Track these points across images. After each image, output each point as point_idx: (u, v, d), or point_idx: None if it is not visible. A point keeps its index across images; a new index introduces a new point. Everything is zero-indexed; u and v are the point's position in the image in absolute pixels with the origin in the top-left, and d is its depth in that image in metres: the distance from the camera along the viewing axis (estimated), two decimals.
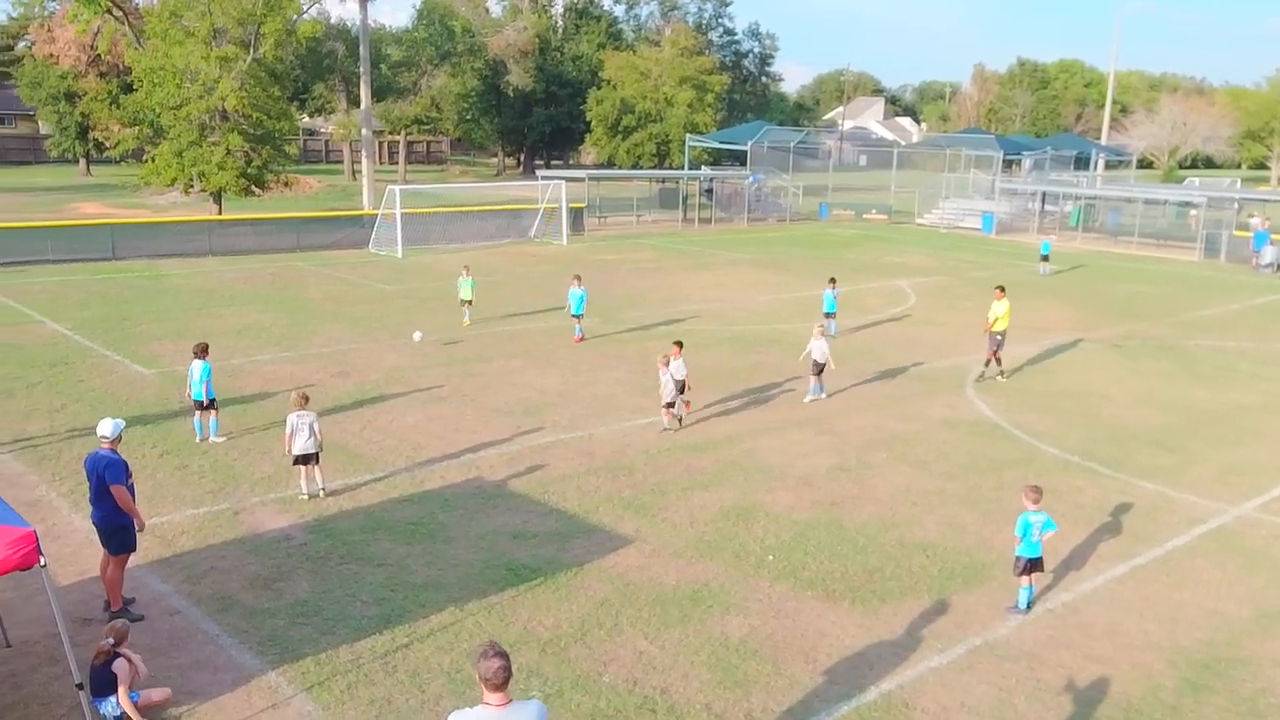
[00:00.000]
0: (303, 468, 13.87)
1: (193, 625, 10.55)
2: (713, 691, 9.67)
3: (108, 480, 10.37)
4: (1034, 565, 11.46)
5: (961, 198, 59.70)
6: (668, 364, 17.08)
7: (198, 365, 16.00)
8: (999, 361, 21.82)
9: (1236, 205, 48.51)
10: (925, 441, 17.45)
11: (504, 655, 5.94)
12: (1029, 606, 11.47)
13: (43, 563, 7.84)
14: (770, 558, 12.64)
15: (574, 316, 24.07)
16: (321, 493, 13.90)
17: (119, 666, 8.61)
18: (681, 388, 17.41)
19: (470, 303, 26.25)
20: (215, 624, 10.57)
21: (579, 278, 24.27)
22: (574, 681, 9.73)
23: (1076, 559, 12.95)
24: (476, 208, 47.08)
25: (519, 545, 12.70)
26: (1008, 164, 67.26)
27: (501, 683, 5.91)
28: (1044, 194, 56.33)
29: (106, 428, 10.79)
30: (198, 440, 16.14)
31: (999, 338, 21.58)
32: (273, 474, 14.82)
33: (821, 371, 19.53)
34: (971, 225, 55.52)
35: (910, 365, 22.90)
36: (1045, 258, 39.72)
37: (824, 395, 19.71)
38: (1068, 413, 19.52)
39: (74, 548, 12.17)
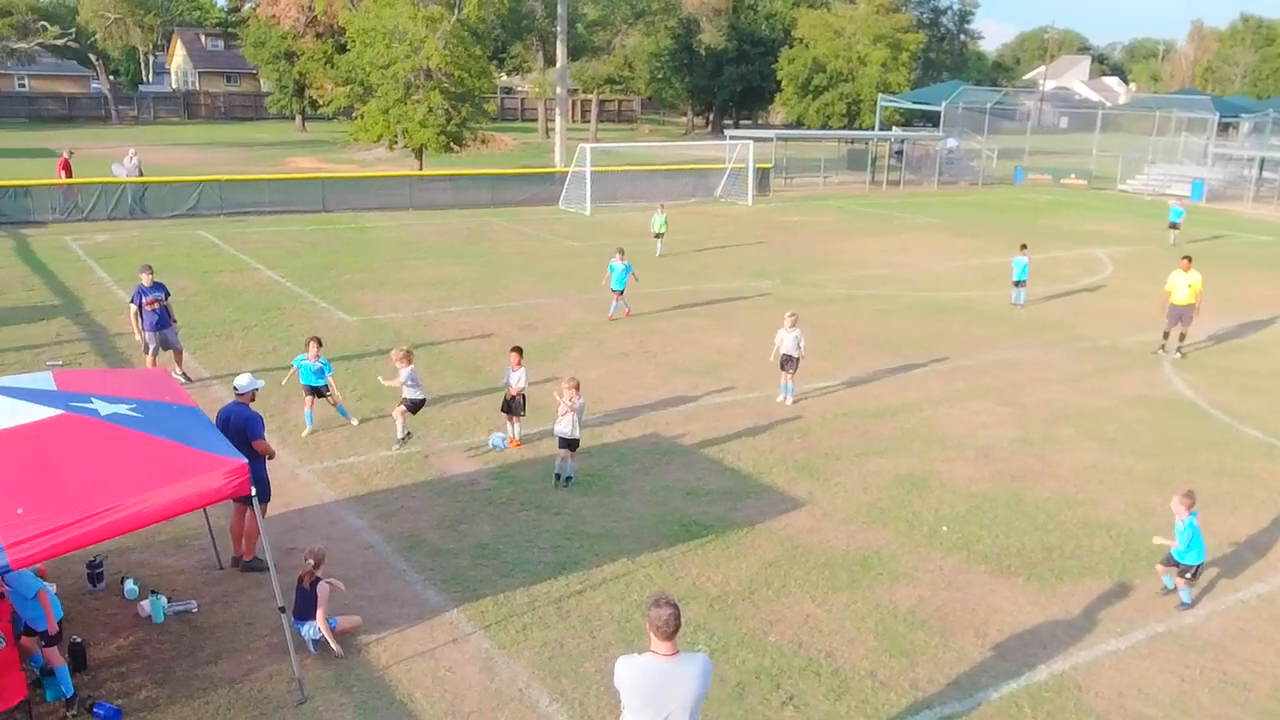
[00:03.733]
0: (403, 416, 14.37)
1: (383, 560, 11.27)
2: (878, 659, 9.69)
3: (250, 435, 10.47)
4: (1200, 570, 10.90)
5: (1170, 163, 56.18)
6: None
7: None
8: (1181, 337, 20.65)
9: None
10: (1115, 418, 16.75)
11: (674, 605, 6.12)
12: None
13: (254, 492, 8.54)
14: (944, 529, 12.48)
15: (615, 292, 22.32)
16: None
17: (322, 590, 9.32)
18: (513, 406, 14.63)
19: (661, 236, 29.63)
20: (404, 560, 11.26)
21: (622, 251, 22.69)
22: (740, 639, 9.93)
23: (1273, 549, 12.25)
24: (664, 167, 47.43)
25: (692, 501, 12.96)
26: (1224, 127, 62.79)
27: (671, 632, 6.08)
28: (1262, 160, 52.38)
29: (243, 381, 11.10)
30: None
31: (1183, 310, 20.31)
32: (460, 421, 15.54)
33: (794, 367, 16.81)
34: (1180, 192, 52.17)
35: (1103, 338, 21.94)
36: (1174, 225, 35.69)
37: (791, 398, 16.94)
38: (1274, 394, 18.34)
39: (279, 481, 13.06)
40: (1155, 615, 10.64)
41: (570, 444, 13.22)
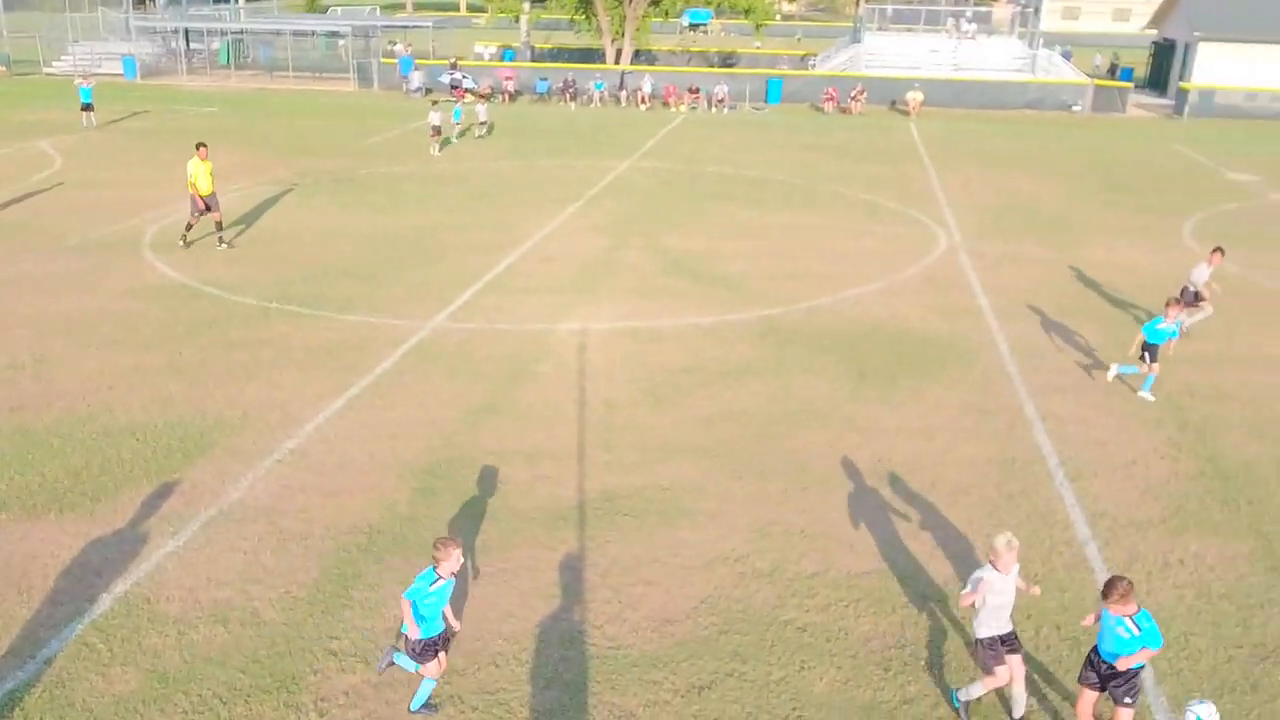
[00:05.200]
0: None
1: None
2: None
3: None
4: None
5: (95, 40, 54.03)
6: None
7: None
8: (219, 225, 20.07)
9: (380, 33, 51.09)
10: (111, 318, 15.94)
11: None
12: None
13: None
14: None
15: None
16: None
17: None
18: None
19: None
20: None
21: None
22: None
23: (296, 404, 12.92)
24: None
25: None
26: (141, 1, 62.47)
27: None
28: (186, 31, 53.61)
29: None
30: None
31: (210, 199, 19.70)
32: None
33: None
34: (112, 70, 50.78)
35: (74, 235, 20.63)
36: (88, 107, 34.69)
37: None
38: (256, 260, 19.24)
39: None
40: (204, 502, 10.49)
41: None
